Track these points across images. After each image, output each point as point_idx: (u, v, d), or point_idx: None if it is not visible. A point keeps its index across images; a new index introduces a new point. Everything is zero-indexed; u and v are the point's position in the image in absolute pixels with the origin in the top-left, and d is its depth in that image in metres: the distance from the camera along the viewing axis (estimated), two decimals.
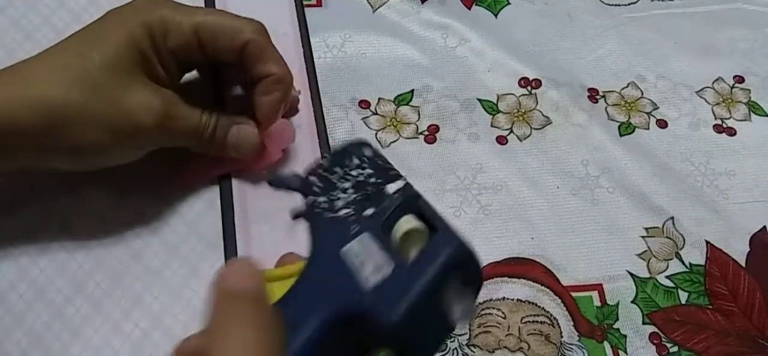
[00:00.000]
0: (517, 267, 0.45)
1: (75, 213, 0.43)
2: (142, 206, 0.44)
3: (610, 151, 0.51)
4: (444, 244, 0.26)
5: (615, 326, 0.44)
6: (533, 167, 0.50)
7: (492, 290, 0.44)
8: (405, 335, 0.24)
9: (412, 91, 0.52)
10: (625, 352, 0.43)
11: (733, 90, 0.55)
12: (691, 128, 0.53)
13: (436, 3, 0.57)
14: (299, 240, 0.29)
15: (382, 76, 0.53)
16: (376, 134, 0.50)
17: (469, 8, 0.57)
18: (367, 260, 0.26)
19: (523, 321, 0.44)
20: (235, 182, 0.45)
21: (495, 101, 0.52)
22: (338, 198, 0.29)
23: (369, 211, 0.28)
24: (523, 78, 0.54)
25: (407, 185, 0.29)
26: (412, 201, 0.28)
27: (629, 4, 0.59)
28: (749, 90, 0.55)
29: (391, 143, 0.50)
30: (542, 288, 0.45)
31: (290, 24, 0.52)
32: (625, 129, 0.52)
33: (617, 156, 0.50)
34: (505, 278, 0.45)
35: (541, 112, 0.52)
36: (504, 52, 0.54)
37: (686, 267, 0.47)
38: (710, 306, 0.45)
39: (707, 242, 0.48)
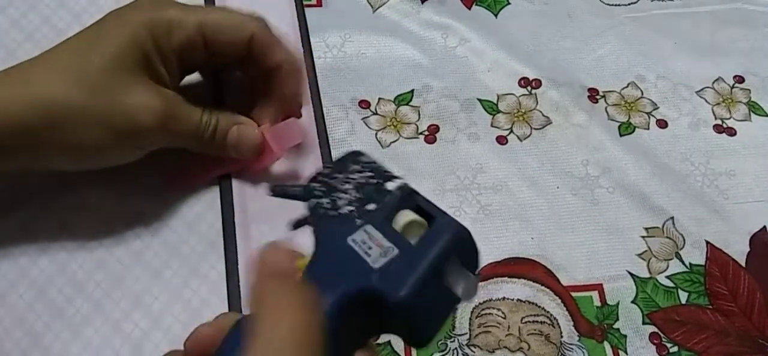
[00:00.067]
0: (517, 267, 0.45)
1: (75, 213, 0.43)
2: (142, 206, 0.44)
3: (610, 151, 0.51)
4: (444, 228, 0.28)
5: (615, 326, 0.44)
6: (533, 167, 0.50)
7: (492, 290, 0.44)
8: (412, 310, 0.26)
9: (412, 91, 0.52)
10: (625, 352, 0.43)
11: (733, 90, 0.55)
12: (691, 128, 0.53)
13: (436, 3, 0.57)
14: (299, 240, 0.30)
15: (382, 76, 0.53)
16: (376, 134, 0.50)
17: (469, 8, 0.57)
18: (374, 246, 0.27)
19: (523, 321, 0.44)
20: (235, 182, 0.45)
21: (495, 101, 0.52)
22: (340, 198, 0.31)
23: (371, 206, 0.30)
24: (523, 78, 0.54)
25: (405, 184, 0.31)
26: (410, 197, 0.30)
27: (629, 4, 0.59)
28: (749, 90, 0.55)
29: (391, 143, 0.50)
30: (542, 288, 0.45)
31: (290, 24, 0.52)
32: (625, 129, 0.52)
33: (617, 156, 0.50)
34: (505, 278, 0.45)
35: (541, 112, 0.52)
36: (504, 52, 0.54)
37: (686, 267, 0.47)
38: (710, 306, 0.45)
39: (707, 242, 0.48)
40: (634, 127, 0.52)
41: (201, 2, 0.52)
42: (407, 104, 0.52)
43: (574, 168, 0.50)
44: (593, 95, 0.54)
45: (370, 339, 0.28)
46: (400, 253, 0.27)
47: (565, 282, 0.45)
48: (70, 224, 0.43)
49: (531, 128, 0.51)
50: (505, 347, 0.43)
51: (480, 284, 0.44)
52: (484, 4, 0.57)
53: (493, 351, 0.43)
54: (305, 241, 0.30)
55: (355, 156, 0.35)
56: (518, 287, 0.45)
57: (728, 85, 0.55)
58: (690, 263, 0.47)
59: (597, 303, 0.45)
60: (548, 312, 0.44)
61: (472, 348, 0.43)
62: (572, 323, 0.44)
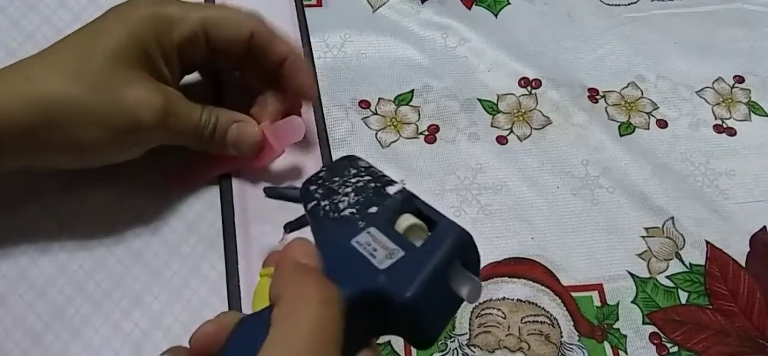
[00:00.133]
0: (517, 267, 0.45)
1: (75, 214, 0.43)
2: (142, 206, 0.44)
3: (610, 151, 0.51)
4: (448, 231, 0.28)
5: (615, 326, 0.44)
6: (533, 167, 0.50)
7: (492, 290, 0.44)
8: (418, 310, 0.26)
9: (412, 91, 0.52)
10: (625, 352, 0.43)
11: (733, 90, 0.55)
12: (691, 128, 0.53)
13: (436, 3, 0.57)
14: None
15: (382, 76, 0.53)
16: (376, 134, 0.50)
17: (469, 8, 0.57)
18: (378, 248, 0.28)
19: (523, 321, 0.44)
20: (235, 182, 0.45)
21: (495, 101, 0.52)
22: (341, 201, 0.32)
23: (373, 209, 0.31)
24: (523, 78, 0.54)
25: (404, 188, 0.32)
26: (410, 201, 0.31)
27: (629, 4, 0.59)
28: (749, 90, 0.55)
29: (391, 143, 0.50)
30: (542, 288, 0.45)
31: (290, 24, 0.52)
32: (625, 129, 0.52)
33: (617, 156, 0.50)
34: (505, 278, 0.45)
35: (541, 112, 0.52)
36: (504, 52, 0.54)
37: (686, 267, 0.47)
38: (710, 306, 0.45)
39: (707, 242, 0.48)
40: (634, 127, 0.52)
41: (201, 2, 0.52)
42: (407, 104, 0.52)
43: (574, 168, 0.50)
44: (593, 95, 0.54)
45: (372, 339, 0.29)
46: (405, 255, 0.27)
47: (565, 282, 0.45)
48: (70, 224, 0.42)
49: (531, 128, 0.51)
50: (505, 347, 0.43)
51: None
52: (484, 4, 0.57)
53: (493, 351, 0.42)
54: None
55: (350, 160, 0.35)
56: (518, 287, 0.45)
57: (728, 85, 0.55)
58: (690, 263, 0.47)
59: (597, 303, 0.45)
60: (548, 312, 0.44)
61: (472, 348, 0.43)
62: (572, 323, 0.44)
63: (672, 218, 0.48)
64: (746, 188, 0.50)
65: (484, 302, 0.44)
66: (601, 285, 0.45)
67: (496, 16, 0.57)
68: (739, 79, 0.56)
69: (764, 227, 0.49)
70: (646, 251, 0.47)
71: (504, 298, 0.44)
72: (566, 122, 0.52)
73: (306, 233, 0.39)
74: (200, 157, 0.43)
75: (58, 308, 0.40)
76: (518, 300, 0.44)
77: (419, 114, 0.51)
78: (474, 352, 0.42)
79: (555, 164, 0.50)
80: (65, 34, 0.38)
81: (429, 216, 0.30)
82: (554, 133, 0.51)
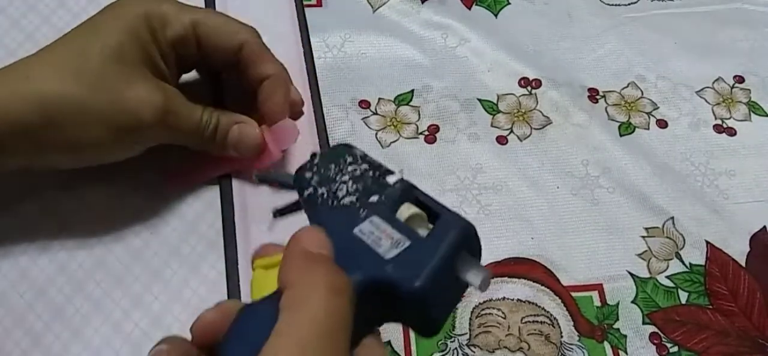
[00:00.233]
0: (517, 267, 0.45)
1: (75, 213, 0.43)
2: (142, 205, 0.44)
3: (610, 151, 0.51)
4: (452, 222, 0.29)
5: (615, 326, 0.44)
6: (533, 167, 0.50)
7: (492, 290, 0.44)
8: (427, 299, 0.26)
9: (412, 91, 0.52)
10: (625, 352, 0.43)
11: (733, 90, 0.55)
12: (691, 128, 0.53)
13: (436, 3, 0.57)
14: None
15: (382, 77, 0.53)
16: (376, 134, 0.50)
17: (469, 8, 0.57)
18: (382, 237, 0.28)
19: (523, 321, 0.44)
20: (235, 182, 0.45)
21: (495, 101, 0.52)
22: (339, 189, 0.32)
23: (374, 198, 0.31)
24: (523, 78, 0.54)
25: (403, 177, 0.32)
26: (410, 190, 0.31)
27: (629, 4, 0.59)
28: (749, 90, 0.55)
29: (391, 143, 0.50)
30: (542, 288, 0.45)
31: (290, 24, 0.52)
32: (625, 129, 0.52)
33: (617, 156, 0.50)
34: (505, 278, 0.45)
35: (541, 112, 0.52)
36: (504, 52, 0.54)
37: (686, 267, 0.47)
38: (710, 306, 0.45)
39: (707, 242, 0.48)
40: (634, 127, 0.52)
41: (201, 2, 0.52)
42: (407, 104, 0.52)
43: (574, 168, 0.50)
44: (593, 95, 0.54)
45: (375, 327, 0.29)
46: (411, 245, 0.28)
47: (565, 282, 0.45)
48: (69, 224, 0.42)
49: (531, 128, 0.51)
50: (505, 347, 0.43)
51: None
52: (484, 4, 0.57)
53: (493, 351, 0.42)
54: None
55: (345, 148, 0.35)
56: (518, 287, 0.45)
57: (728, 85, 0.55)
58: (690, 263, 0.47)
59: (597, 303, 0.45)
60: (548, 312, 0.44)
61: (472, 348, 0.43)
62: (572, 323, 0.44)
63: (672, 218, 0.48)
64: (746, 188, 0.50)
65: (484, 302, 0.44)
66: (601, 285, 0.45)
67: (496, 16, 0.57)
68: (739, 79, 0.56)
69: (764, 227, 0.49)
70: (646, 251, 0.47)
71: (504, 298, 0.44)
72: (566, 122, 0.52)
73: (296, 219, 0.39)
74: (200, 157, 0.43)
75: (58, 307, 0.40)
76: (518, 300, 0.44)
77: (419, 114, 0.51)
78: (474, 352, 0.42)
79: (555, 164, 0.50)
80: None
81: (429, 206, 0.30)
82: (554, 133, 0.51)
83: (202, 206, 0.44)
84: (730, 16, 0.59)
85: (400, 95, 0.52)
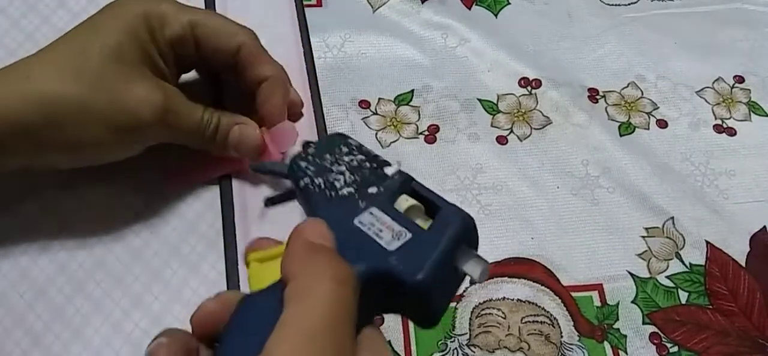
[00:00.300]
0: (517, 267, 0.45)
1: (75, 213, 0.43)
2: (142, 205, 0.44)
3: (610, 151, 0.51)
4: (452, 215, 0.29)
5: (615, 326, 0.44)
6: (533, 167, 0.50)
7: (492, 290, 0.44)
8: (428, 290, 0.27)
9: (412, 91, 0.52)
10: (625, 352, 0.43)
11: (733, 90, 0.55)
12: (691, 128, 0.53)
13: (436, 3, 0.57)
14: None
15: (382, 77, 0.53)
16: (376, 134, 0.50)
17: (469, 8, 0.57)
18: (383, 228, 0.28)
19: (523, 321, 0.44)
20: (235, 182, 0.45)
21: (495, 101, 0.52)
22: (337, 179, 0.32)
23: (372, 189, 0.31)
24: (523, 78, 0.54)
25: (401, 169, 0.33)
26: (408, 182, 0.32)
27: (629, 4, 0.59)
28: (749, 90, 0.55)
29: (391, 143, 0.50)
30: (542, 288, 0.45)
31: (290, 24, 0.52)
32: (625, 129, 0.52)
33: (617, 156, 0.50)
34: (505, 278, 0.45)
35: (541, 112, 0.52)
36: (504, 52, 0.54)
37: (686, 266, 0.47)
38: (710, 306, 0.45)
39: (707, 242, 0.48)
40: (634, 127, 0.52)
41: (201, 2, 0.52)
42: (407, 104, 0.52)
43: (574, 168, 0.50)
44: (593, 95, 0.54)
45: (373, 318, 0.29)
46: (413, 237, 0.28)
47: (565, 282, 0.45)
48: (69, 223, 0.42)
49: (531, 128, 0.51)
50: (505, 347, 0.43)
51: (480, 284, 0.44)
52: (484, 4, 0.57)
53: (493, 351, 0.42)
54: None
55: (340, 137, 0.35)
56: (518, 287, 0.45)
57: (728, 85, 0.55)
58: (690, 263, 0.47)
59: (597, 303, 0.45)
60: (548, 312, 0.44)
61: (472, 348, 0.43)
62: (572, 323, 0.44)
63: (672, 218, 0.48)
64: (746, 188, 0.50)
65: (484, 302, 0.44)
66: (601, 285, 0.45)
67: (496, 16, 0.57)
68: (739, 79, 0.56)
69: (764, 227, 0.49)
70: (646, 251, 0.47)
71: (504, 298, 0.44)
72: (566, 122, 0.52)
73: (288, 208, 0.39)
74: (200, 156, 0.43)
75: (58, 307, 0.40)
76: (518, 300, 0.44)
77: (419, 114, 0.51)
78: (474, 352, 0.42)
79: (555, 164, 0.50)
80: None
81: (427, 198, 0.31)
82: (554, 133, 0.51)
83: (202, 206, 0.44)
84: (730, 16, 0.59)
85: (400, 95, 0.52)
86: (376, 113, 0.51)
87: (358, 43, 0.54)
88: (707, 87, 0.55)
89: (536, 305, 0.44)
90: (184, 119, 0.40)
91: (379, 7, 0.56)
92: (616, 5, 0.58)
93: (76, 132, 0.36)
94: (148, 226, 0.43)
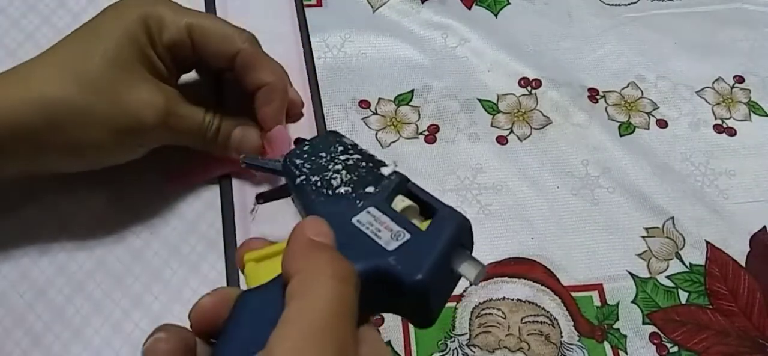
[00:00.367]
0: (517, 267, 0.45)
1: (75, 214, 0.43)
2: (142, 206, 0.44)
3: (610, 151, 0.51)
4: (449, 217, 0.30)
5: (615, 326, 0.44)
6: (533, 167, 0.50)
7: (492, 290, 0.44)
8: (427, 290, 0.27)
9: (412, 91, 0.52)
10: (625, 352, 0.43)
11: (733, 90, 0.55)
12: (691, 128, 0.53)
13: (436, 3, 0.57)
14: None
15: (382, 77, 0.53)
16: (376, 134, 0.50)
17: (469, 8, 0.57)
18: (381, 228, 0.29)
19: (523, 321, 0.44)
20: (235, 182, 0.45)
21: (495, 101, 0.52)
22: (333, 178, 0.32)
23: (369, 189, 0.31)
24: (523, 78, 0.54)
25: (397, 170, 0.33)
26: (404, 183, 0.32)
27: (629, 4, 0.59)
28: (749, 90, 0.55)
29: (391, 143, 0.50)
30: (542, 288, 0.45)
31: (290, 24, 0.52)
32: (625, 129, 0.52)
33: (617, 156, 0.50)
34: (505, 278, 0.45)
35: (541, 112, 0.52)
36: (504, 52, 0.54)
37: (686, 266, 0.47)
38: (710, 306, 0.45)
39: (707, 242, 0.48)
40: (634, 127, 0.52)
41: (201, 3, 0.52)
42: (407, 104, 0.52)
43: (574, 168, 0.50)
44: (593, 95, 0.54)
45: (370, 316, 0.29)
46: (412, 237, 0.28)
47: (565, 282, 0.45)
48: (69, 224, 0.43)
49: (531, 128, 0.51)
50: (505, 347, 0.43)
51: (480, 284, 0.44)
52: (484, 4, 0.57)
53: (493, 351, 0.42)
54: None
55: (335, 136, 0.36)
56: (518, 287, 0.45)
57: (728, 85, 0.55)
58: (690, 263, 0.47)
59: (597, 303, 0.45)
60: (548, 312, 0.44)
61: (472, 348, 0.43)
62: (572, 323, 0.44)
63: (672, 218, 0.48)
64: (746, 188, 0.50)
65: (484, 302, 0.44)
66: (601, 285, 0.45)
67: (496, 16, 0.57)
68: (739, 79, 0.56)
69: (764, 227, 0.49)
70: (646, 251, 0.47)
71: (504, 298, 0.44)
72: (566, 122, 0.52)
73: (288, 208, 0.39)
74: (201, 157, 0.43)
75: (58, 308, 0.40)
76: (518, 300, 0.44)
77: (419, 114, 0.51)
78: (474, 352, 0.42)
79: (555, 164, 0.50)
80: (65, 34, 0.38)
81: (423, 199, 0.31)
82: (554, 133, 0.51)
83: (202, 206, 0.44)
84: (730, 16, 0.59)
85: (400, 95, 0.52)
86: (376, 113, 0.51)
87: (358, 43, 0.54)
88: (707, 87, 0.55)
89: (536, 305, 0.44)
90: (185, 122, 0.40)
91: (379, 7, 0.56)
92: (616, 5, 0.58)
93: (78, 135, 0.36)
94: (148, 226, 0.43)
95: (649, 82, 0.55)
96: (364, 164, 0.33)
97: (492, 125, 0.51)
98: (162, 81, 0.39)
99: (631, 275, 0.46)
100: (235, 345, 0.26)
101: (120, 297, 0.41)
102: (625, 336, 0.44)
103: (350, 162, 0.33)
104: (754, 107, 0.54)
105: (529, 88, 0.53)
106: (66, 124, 0.36)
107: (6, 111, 0.35)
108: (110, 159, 0.39)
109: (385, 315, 0.43)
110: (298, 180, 0.33)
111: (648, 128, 0.52)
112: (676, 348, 0.44)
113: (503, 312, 0.44)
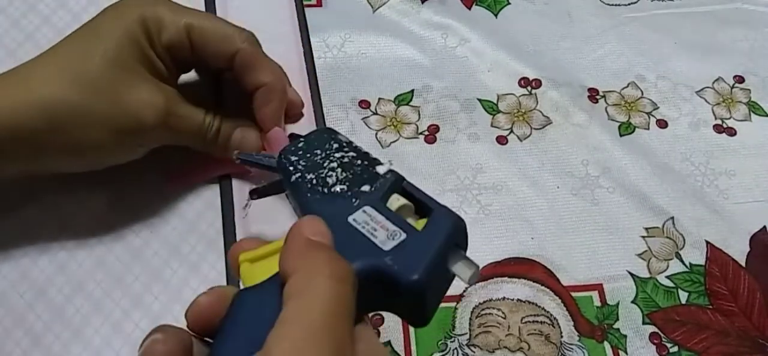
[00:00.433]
0: (517, 267, 0.45)
1: (75, 213, 0.43)
2: (142, 205, 0.44)
3: (610, 151, 0.51)
4: (445, 217, 0.30)
5: (615, 326, 0.44)
6: (533, 167, 0.50)
7: (492, 290, 0.44)
8: (423, 290, 0.27)
9: (412, 91, 0.52)
10: (625, 352, 0.43)
11: (733, 90, 0.55)
12: (691, 128, 0.53)
13: (436, 3, 0.57)
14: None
15: (382, 77, 0.53)
16: (376, 134, 0.50)
17: (469, 8, 0.57)
18: (377, 228, 0.29)
19: (523, 321, 0.44)
20: (235, 182, 0.45)
21: (495, 101, 0.52)
22: (329, 176, 0.32)
23: (365, 187, 0.31)
24: (523, 78, 0.54)
25: (392, 168, 0.33)
26: (399, 182, 0.32)
27: (629, 4, 0.59)
28: (749, 90, 0.55)
29: (391, 143, 0.50)
30: (542, 288, 0.45)
31: (290, 24, 0.52)
32: (625, 129, 0.52)
33: (617, 156, 0.50)
34: (505, 278, 0.45)
35: (541, 112, 0.52)
36: (504, 52, 0.54)
37: (686, 266, 0.47)
38: (710, 306, 0.45)
39: (707, 242, 0.48)
40: (634, 127, 0.52)
41: (201, 3, 0.52)
42: (407, 104, 0.52)
43: (574, 168, 0.50)
44: (593, 95, 0.54)
45: (365, 315, 0.29)
46: (408, 237, 0.28)
47: (565, 282, 0.45)
48: (69, 224, 0.43)
49: (531, 128, 0.52)
50: (505, 347, 0.43)
51: (480, 284, 0.45)
52: (484, 4, 0.57)
53: (493, 351, 0.42)
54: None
55: (329, 133, 0.36)
56: (518, 287, 0.45)
57: (728, 85, 0.55)
58: (690, 263, 0.47)
59: (597, 303, 0.45)
60: (548, 312, 0.44)
61: (472, 348, 0.43)
62: (572, 323, 0.44)
63: (672, 218, 0.48)
64: (746, 188, 0.50)
65: (484, 302, 0.44)
66: (601, 285, 0.45)
67: (496, 16, 0.57)
68: (739, 79, 0.56)
69: (764, 227, 0.49)
70: (646, 251, 0.47)
71: (504, 298, 0.44)
72: (566, 122, 0.52)
73: (276, 204, 0.39)
74: (201, 157, 0.43)
75: (58, 308, 0.40)
76: (518, 300, 0.44)
77: (419, 114, 0.51)
78: (474, 352, 0.42)
79: (555, 164, 0.50)
80: (65, 34, 0.38)
81: (418, 198, 0.31)
82: (554, 133, 0.51)
83: (202, 206, 0.44)
84: (730, 16, 0.59)
85: (400, 95, 0.52)
86: (376, 113, 0.51)
87: (358, 43, 0.54)
88: (707, 87, 0.55)
89: (536, 305, 0.44)
90: (185, 122, 0.40)
91: (379, 7, 0.56)
92: (616, 5, 0.58)
93: (78, 136, 0.36)
94: (148, 225, 0.43)
95: (649, 82, 0.55)
96: (359, 162, 0.33)
97: (492, 125, 0.51)
98: (162, 81, 0.39)
99: (631, 275, 0.46)
100: (233, 344, 0.26)
101: (120, 297, 0.41)
102: (625, 336, 0.44)
103: (346, 160, 0.33)
104: (754, 107, 0.54)
105: (529, 88, 0.53)
106: (66, 124, 0.36)
107: (6, 112, 0.35)
108: (110, 159, 0.39)
109: (385, 315, 0.43)
110: (294, 177, 0.33)
111: (648, 128, 0.52)
112: (676, 348, 0.44)
113: (503, 312, 0.44)
